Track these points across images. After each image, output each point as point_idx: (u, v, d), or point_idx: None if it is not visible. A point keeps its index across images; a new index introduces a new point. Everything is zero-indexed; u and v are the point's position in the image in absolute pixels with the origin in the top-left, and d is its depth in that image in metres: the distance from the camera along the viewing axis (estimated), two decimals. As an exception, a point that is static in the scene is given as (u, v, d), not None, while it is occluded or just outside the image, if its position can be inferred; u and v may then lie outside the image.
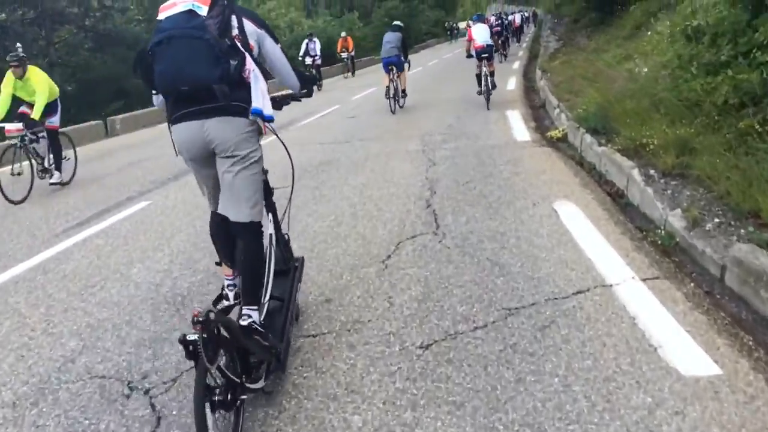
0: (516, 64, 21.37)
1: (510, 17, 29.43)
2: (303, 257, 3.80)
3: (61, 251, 5.52)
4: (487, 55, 12.05)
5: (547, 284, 3.83)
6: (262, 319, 2.84)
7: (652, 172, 5.32)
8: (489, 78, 11.93)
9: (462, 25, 67.92)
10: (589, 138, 7.08)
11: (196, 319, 2.11)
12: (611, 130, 6.84)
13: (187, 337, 2.15)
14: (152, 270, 4.81)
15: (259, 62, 2.83)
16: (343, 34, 24.90)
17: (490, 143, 8.42)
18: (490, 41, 12.51)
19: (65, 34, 19.12)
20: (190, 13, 2.60)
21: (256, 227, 2.89)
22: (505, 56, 22.82)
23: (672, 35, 7.94)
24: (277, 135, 3.26)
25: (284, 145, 3.39)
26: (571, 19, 20.17)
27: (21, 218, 6.88)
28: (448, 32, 50.43)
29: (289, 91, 3.27)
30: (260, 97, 2.67)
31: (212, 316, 2.18)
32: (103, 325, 3.91)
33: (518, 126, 9.61)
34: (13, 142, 7.92)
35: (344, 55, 24.68)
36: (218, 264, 3.01)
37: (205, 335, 2.14)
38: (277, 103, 3.17)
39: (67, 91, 17.18)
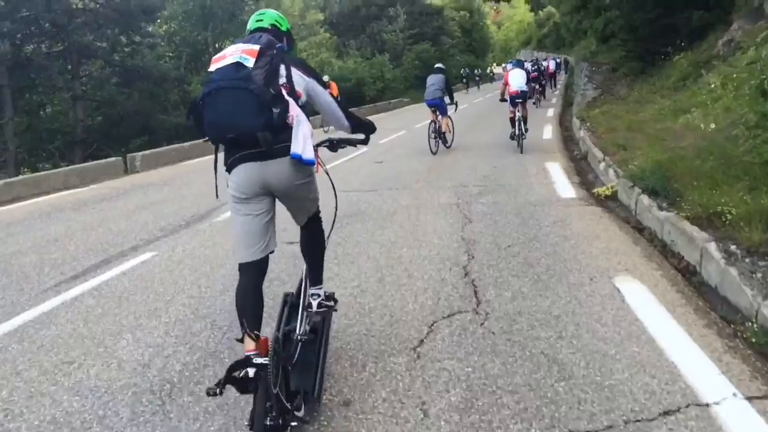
0: (550, 111, 20.74)
1: (544, 63, 29.18)
2: (333, 293, 3.70)
3: (45, 312, 4.84)
4: (521, 100, 12.20)
5: (623, 397, 3.03)
6: (300, 341, 3.10)
7: (733, 247, 4.50)
8: (522, 123, 11.98)
9: (497, 69, 67.99)
10: (646, 200, 6.29)
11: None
12: (674, 192, 6.05)
13: (254, 360, 2.39)
14: (142, 343, 4.09)
15: (305, 107, 3.01)
16: (326, 78, 23.69)
17: (532, 199, 7.67)
18: (525, 87, 12.58)
19: (93, 68, 19.12)
20: (238, 65, 2.77)
21: (316, 217, 3.34)
22: (540, 101, 22.40)
23: (737, 88, 7.19)
24: (327, 173, 3.53)
25: (332, 182, 3.64)
26: (610, 67, 19.51)
27: (13, 267, 6.26)
28: (464, 80, 45.34)
29: (348, 136, 3.48)
30: (300, 143, 2.80)
31: (278, 341, 2.49)
32: (69, 422, 3.19)
33: (560, 180, 8.85)
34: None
35: None
36: (240, 340, 2.70)
37: (275, 357, 2.40)
38: (334, 145, 3.46)
39: (90, 126, 16.92)
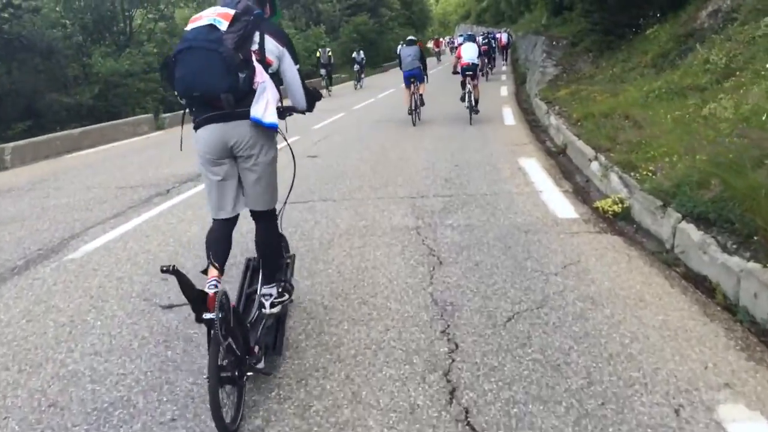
0: (504, 90, 18.78)
1: (497, 35, 27.63)
2: (294, 254, 3.98)
3: None
4: (471, 73, 12.66)
5: None
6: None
7: None
8: (472, 94, 12.53)
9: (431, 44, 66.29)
10: (696, 234, 4.28)
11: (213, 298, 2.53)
12: (743, 221, 4.05)
13: (204, 316, 2.52)
14: None
15: (275, 75, 3.13)
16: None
17: (519, 221, 5.59)
18: (476, 60, 13.01)
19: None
20: (211, 27, 2.87)
21: (272, 213, 3.36)
22: (488, 74, 21.10)
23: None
24: (286, 138, 3.55)
25: (291, 150, 3.82)
26: (569, 42, 17.67)
27: None
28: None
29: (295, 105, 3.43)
30: (261, 107, 2.92)
31: (227, 297, 2.65)
32: None
33: (546, 187, 6.82)
34: None
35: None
36: (204, 272, 2.82)
37: (221, 314, 2.53)
38: (281, 113, 3.23)
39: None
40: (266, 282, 3.33)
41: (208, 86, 2.83)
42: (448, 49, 54.15)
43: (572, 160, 8.33)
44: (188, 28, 2.95)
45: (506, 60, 31.13)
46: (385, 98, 20.41)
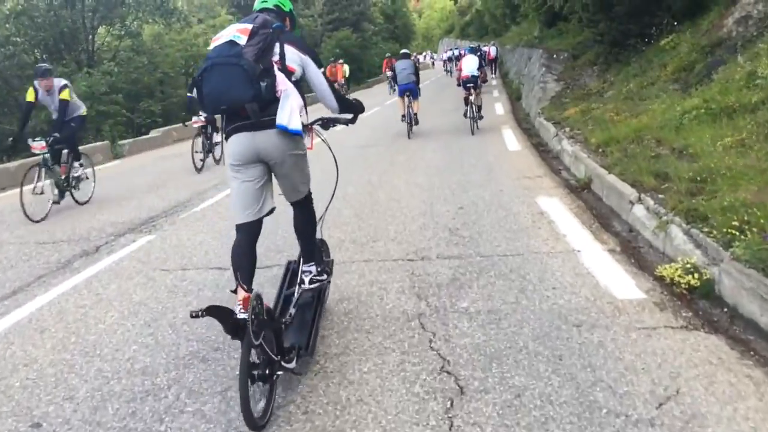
0: (499, 108, 17.27)
1: (485, 49, 26.50)
2: (333, 259, 4.18)
3: None
4: (471, 84, 12.91)
5: None
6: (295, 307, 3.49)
7: None
8: (474, 105, 12.72)
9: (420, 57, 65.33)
10: None
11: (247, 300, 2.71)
12: None
13: (237, 316, 2.68)
14: None
15: (299, 83, 3.26)
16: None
17: (562, 303, 4.00)
18: (476, 72, 13.23)
19: None
20: (232, 44, 3.08)
21: (308, 199, 3.61)
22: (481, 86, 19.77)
23: None
24: (325, 141, 3.83)
25: (332, 152, 3.97)
26: (569, 54, 16.22)
27: None
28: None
29: (337, 116, 3.67)
30: (286, 114, 3.07)
31: (260, 299, 2.78)
32: None
33: (584, 243, 5.21)
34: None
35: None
36: (234, 291, 3.00)
37: (253, 315, 2.62)
38: (324, 123, 3.67)
39: None
40: (306, 261, 3.60)
41: (233, 98, 3.02)
42: (430, 63, 52.53)
43: (602, 198, 6.76)
44: (210, 47, 3.18)
45: (495, 73, 30.40)
46: (370, 118, 18.83)
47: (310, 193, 3.63)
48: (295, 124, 3.10)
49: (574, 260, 4.80)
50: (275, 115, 3.06)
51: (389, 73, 44.88)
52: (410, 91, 13.04)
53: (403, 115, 13.17)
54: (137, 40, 22.82)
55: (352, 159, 10.58)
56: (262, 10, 3.43)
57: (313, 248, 3.68)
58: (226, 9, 35.61)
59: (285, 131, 3.09)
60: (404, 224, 6.22)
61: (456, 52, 45.55)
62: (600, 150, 8.25)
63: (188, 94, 13.91)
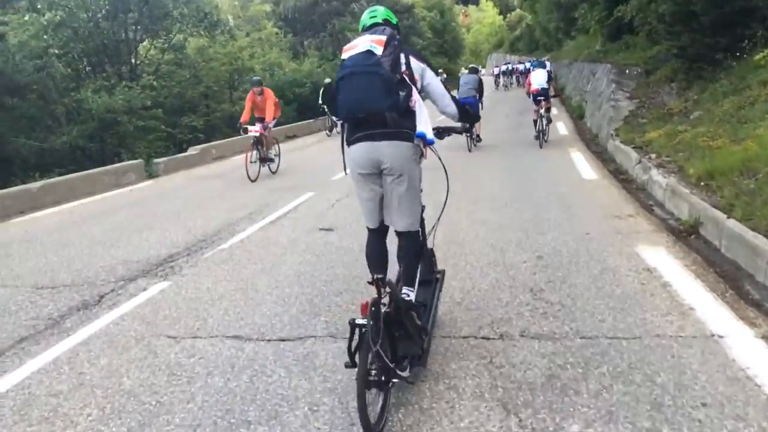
0: (562, 127, 15.87)
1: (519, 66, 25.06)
2: (444, 270, 4.12)
3: None
4: (542, 98, 13.03)
5: None
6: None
7: None
8: (544, 117, 12.84)
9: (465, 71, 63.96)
10: None
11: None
12: None
13: (356, 321, 2.76)
14: None
15: (422, 93, 3.35)
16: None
17: (730, 440, 2.66)
18: (545, 85, 13.27)
19: None
20: (368, 53, 3.16)
21: (414, 234, 3.49)
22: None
23: None
24: (440, 158, 3.75)
25: (444, 167, 3.82)
26: (641, 70, 14.73)
27: None
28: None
29: (453, 125, 3.78)
30: (424, 123, 3.24)
31: (379, 306, 2.83)
32: None
33: (725, 323, 3.87)
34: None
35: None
36: (371, 283, 3.07)
37: (371, 321, 2.68)
38: (439, 133, 3.70)
39: None
40: (405, 284, 3.45)
41: (372, 107, 3.11)
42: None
43: (720, 248, 5.37)
44: (344, 56, 3.26)
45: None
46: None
47: (418, 232, 3.56)
48: (431, 134, 3.29)
49: (719, 353, 3.46)
50: (405, 127, 3.18)
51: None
52: (470, 105, 11.97)
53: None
54: (181, 53, 22.22)
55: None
56: (372, 25, 3.45)
57: (414, 275, 3.51)
58: (273, 22, 35.06)
59: (412, 146, 3.23)
60: (471, 280, 4.96)
61: (510, 67, 44.17)
62: (703, 184, 6.87)
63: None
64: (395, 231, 3.45)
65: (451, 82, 44.91)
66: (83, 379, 3.72)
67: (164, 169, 13.65)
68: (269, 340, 4.09)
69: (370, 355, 2.75)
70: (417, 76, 3.29)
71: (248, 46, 25.92)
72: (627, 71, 14.69)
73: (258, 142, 11.50)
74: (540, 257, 5.43)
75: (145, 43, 21.95)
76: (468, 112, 3.65)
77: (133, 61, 20.78)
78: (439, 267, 4.27)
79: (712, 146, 8.18)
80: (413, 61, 3.27)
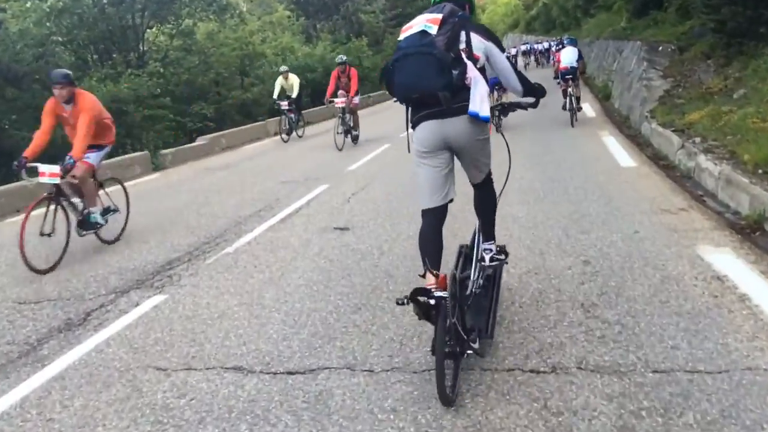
0: (588, 108, 15.01)
1: (540, 45, 24.11)
2: (505, 245, 4.00)
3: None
4: (570, 76, 12.75)
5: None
6: (475, 290, 3.52)
7: None
8: (573, 97, 12.41)
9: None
10: None
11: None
12: None
13: (435, 294, 2.79)
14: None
15: (484, 70, 3.33)
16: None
17: None
18: (575, 64, 12.95)
19: None
20: (423, 33, 3.16)
21: (488, 180, 3.66)
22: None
23: None
24: (503, 135, 4.03)
25: (507, 143, 3.96)
26: (673, 47, 13.80)
27: None
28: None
29: (518, 100, 3.72)
30: (477, 101, 3.16)
31: (455, 279, 3.00)
32: None
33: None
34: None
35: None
36: (422, 276, 3.12)
37: (449, 294, 2.81)
38: (505, 109, 3.82)
39: None
40: (485, 239, 3.65)
41: (425, 87, 3.12)
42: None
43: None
44: (401, 37, 3.29)
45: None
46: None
47: (490, 173, 3.65)
48: (486, 111, 3.19)
49: (834, 395, 2.75)
50: (464, 102, 3.14)
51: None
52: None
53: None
54: (190, 38, 21.52)
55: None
56: (436, 3, 3.39)
57: (493, 227, 3.69)
58: (285, 5, 34.20)
59: (473, 118, 3.17)
60: (510, 291, 4.28)
61: (529, 47, 43.19)
62: (761, 172, 6.12)
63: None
64: (473, 186, 3.66)
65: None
66: (51, 428, 3.10)
67: (171, 161, 13.04)
68: (275, 374, 3.45)
69: (446, 329, 2.83)
70: (479, 54, 3.26)
71: (259, 30, 25.10)
72: (660, 48, 13.79)
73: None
74: (586, 262, 4.72)
75: (153, 30, 21.27)
76: (535, 88, 3.58)
77: (141, 48, 20.13)
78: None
79: (766, 128, 7.41)
80: (474, 38, 3.24)
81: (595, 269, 4.55)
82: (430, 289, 2.83)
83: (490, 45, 3.33)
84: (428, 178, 3.38)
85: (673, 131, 8.95)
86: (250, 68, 23.56)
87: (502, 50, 3.42)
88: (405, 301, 2.76)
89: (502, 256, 3.78)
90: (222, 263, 5.65)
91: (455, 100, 3.13)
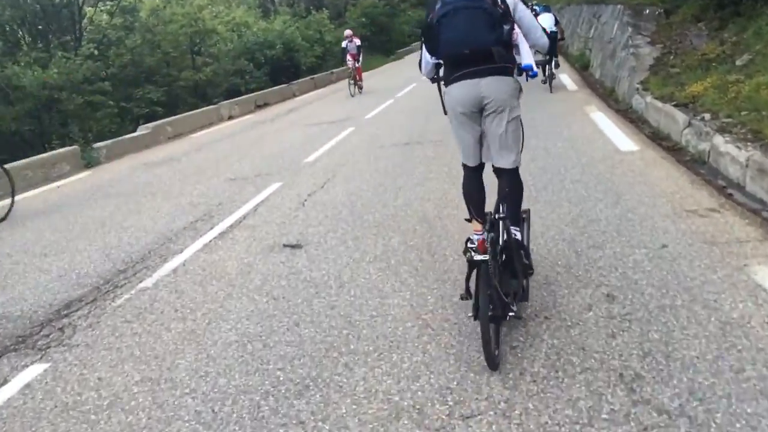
0: (566, 80, 13.86)
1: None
2: (529, 209, 3.78)
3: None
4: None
5: None
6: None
7: None
8: (549, 65, 11.97)
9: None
10: None
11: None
12: None
13: (475, 258, 2.83)
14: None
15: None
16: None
17: None
18: (554, 29, 12.15)
19: None
20: None
21: (516, 171, 3.38)
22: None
23: None
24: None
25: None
26: (658, 11, 12.63)
27: None
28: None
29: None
30: (527, 56, 3.25)
31: (495, 242, 3.00)
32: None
33: None
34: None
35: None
36: (468, 220, 3.33)
37: (490, 257, 2.84)
38: (521, 70, 3.49)
39: None
40: (513, 224, 3.34)
41: (478, 42, 3.03)
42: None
43: None
44: None
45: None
46: (405, 100, 15.63)
47: (519, 159, 3.38)
48: (535, 67, 3.27)
49: None
50: (508, 60, 3.12)
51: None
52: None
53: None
54: (132, 15, 19.71)
55: (391, 165, 7.47)
56: None
57: (519, 214, 3.43)
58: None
59: (509, 77, 3.16)
60: (516, 355, 3.08)
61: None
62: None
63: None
64: (495, 169, 3.38)
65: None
66: None
67: (107, 155, 11.56)
68: None
69: (489, 292, 2.83)
70: (510, 10, 3.15)
71: (209, 4, 23.28)
72: (647, 12, 12.61)
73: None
74: (610, 297, 3.55)
75: (92, 8, 19.40)
76: (554, 40, 3.51)
77: (76, 28, 18.28)
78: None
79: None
80: None
81: (625, 309, 3.38)
82: (473, 240, 2.88)
83: (517, 1, 3.21)
84: (467, 141, 3.34)
85: (674, 106, 7.81)
86: (203, 46, 21.84)
87: (526, 5, 3.32)
88: (465, 296, 2.96)
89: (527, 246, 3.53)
90: (134, 306, 4.36)
91: (504, 57, 3.09)
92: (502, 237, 3.24)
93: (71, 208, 7.83)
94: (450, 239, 4.86)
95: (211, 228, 6.05)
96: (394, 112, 12.99)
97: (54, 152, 11.00)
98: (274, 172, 8.32)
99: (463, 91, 3.16)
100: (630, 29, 12.10)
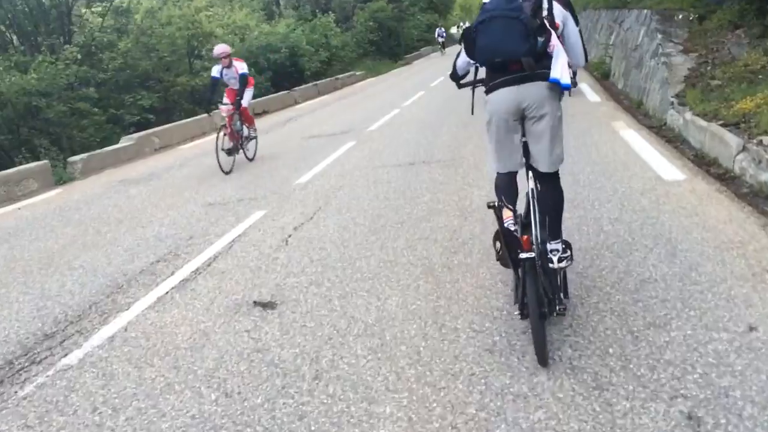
0: (588, 91, 12.73)
1: None
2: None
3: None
4: None
5: None
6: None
7: None
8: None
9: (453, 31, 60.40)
10: None
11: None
12: None
13: (521, 255, 2.86)
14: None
15: (562, 38, 3.22)
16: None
17: None
18: None
19: None
20: None
21: (557, 175, 3.36)
22: None
23: None
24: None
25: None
26: (688, 16, 11.50)
27: None
28: (442, 42, 41.02)
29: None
30: (559, 69, 3.07)
31: (538, 239, 2.97)
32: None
33: None
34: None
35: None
36: (491, 206, 3.01)
37: (537, 254, 2.87)
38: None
39: None
40: (552, 238, 3.30)
41: (509, 51, 3.03)
42: (439, 41, 45.02)
43: None
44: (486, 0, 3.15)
45: None
46: (412, 108, 14.58)
47: (558, 171, 3.38)
48: (566, 80, 3.10)
49: None
50: (545, 69, 3.07)
51: (440, 39, 40.42)
52: None
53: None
54: (125, 17, 18.73)
55: (390, 201, 6.41)
56: None
57: (560, 225, 3.36)
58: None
59: (553, 85, 3.10)
60: None
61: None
62: None
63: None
64: (534, 173, 3.30)
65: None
66: None
67: (83, 170, 10.53)
68: None
69: (537, 290, 2.87)
70: (558, 22, 3.22)
71: (208, 6, 22.21)
72: (679, 17, 11.48)
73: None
74: (692, 419, 2.47)
75: (85, 10, 18.43)
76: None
77: (65, 30, 17.30)
78: None
79: None
80: (556, 7, 3.22)
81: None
82: (509, 227, 3.01)
83: (568, 14, 3.29)
84: (502, 147, 3.33)
85: (722, 125, 6.71)
86: (200, 50, 20.81)
87: (577, 22, 3.37)
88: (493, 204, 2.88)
89: (568, 253, 3.30)
90: (44, 398, 3.31)
91: (537, 66, 3.04)
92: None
93: (22, 237, 6.81)
94: (462, 304, 3.79)
95: (172, 273, 5.01)
96: (399, 124, 11.91)
97: (20, 167, 9.95)
98: (260, 197, 7.28)
99: (501, 98, 3.20)
100: (659, 36, 10.97)
